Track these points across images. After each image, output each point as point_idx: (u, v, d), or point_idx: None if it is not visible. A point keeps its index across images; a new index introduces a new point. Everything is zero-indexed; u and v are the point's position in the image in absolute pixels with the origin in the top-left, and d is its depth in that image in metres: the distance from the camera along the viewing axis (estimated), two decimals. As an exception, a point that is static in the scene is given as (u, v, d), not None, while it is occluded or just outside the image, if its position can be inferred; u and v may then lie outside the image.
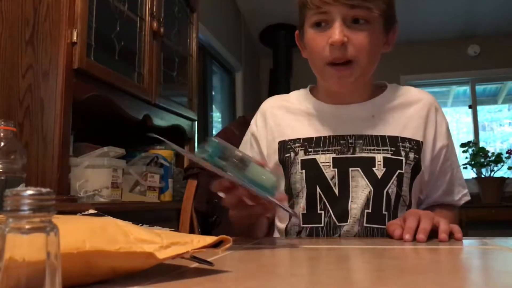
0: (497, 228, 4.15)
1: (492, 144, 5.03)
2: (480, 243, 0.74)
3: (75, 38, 1.40)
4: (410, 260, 0.57)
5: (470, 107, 4.86)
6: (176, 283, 0.42)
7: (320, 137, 0.93)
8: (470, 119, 4.85)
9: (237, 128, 1.28)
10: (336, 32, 0.83)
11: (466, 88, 4.99)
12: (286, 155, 0.94)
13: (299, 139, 0.94)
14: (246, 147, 1.03)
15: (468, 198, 1.01)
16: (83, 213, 0.88)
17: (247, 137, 1.05)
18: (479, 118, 4.85)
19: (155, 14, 1.90)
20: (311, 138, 0.94)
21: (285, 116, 0.99)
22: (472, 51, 4.77)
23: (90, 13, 1.50)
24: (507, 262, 0.56)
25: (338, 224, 0.88)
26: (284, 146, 0.95)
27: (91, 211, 0.90)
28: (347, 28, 0.84)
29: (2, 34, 1.44)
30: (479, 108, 4.87)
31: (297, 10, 0.93)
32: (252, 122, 1.05)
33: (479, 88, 4.95)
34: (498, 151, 4.25)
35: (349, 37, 0.84)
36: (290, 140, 0.95)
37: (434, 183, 0.98)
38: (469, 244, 0.74)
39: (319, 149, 0.92)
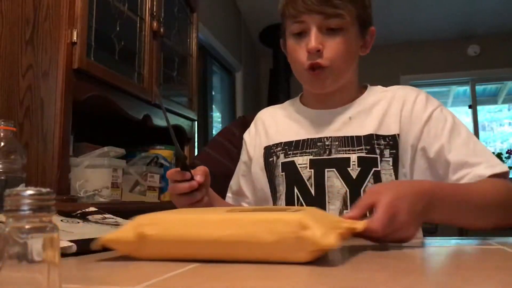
0: (496, 228, 4.14)
1: (492, 144, 5.03)
2: (480, 243, 0.74)
3: (75, 38, 1.40)
4: (409, 261, 0.57)
5: (470, 107, 4.86)
6: (176, 283, 0.42)
7: (299, 140, 0.97)
8: (470, 119, 4.85)
9: (237, 128, 1.28)
10: (312, 39, 0.89)
11: (466, 88, 5.00)
12: (270, 159, 1.00)
13: (281, 143, 1.00)
14: (242, 151, 1.12)
15: (503, 168, 0.84)
16: (83, 210, 0.88)
17: (243, 141, 1.13)
18: (479, 118, 4.85)
19: (155, 14, 1.90)
20: (291, 142, 0.98)
21: (272, 123, 1.06)
22: (472, 51, 4.77)
23: (90, 13, 1.50)
24: (507, 262, 0.56)
25: None
26: (268, 151, 1.02)
27: (92, 208, 0.90)
28: (323, 36, 0.90)
29: (2, 34, 1.44)
30: (479, 108, 4.87)
31: (280, 15, 0.98)
32: (244, 139, 1.12)
33: (479, 88, 4.95)
34: (498, 151, 4.25)
35: (324, 44, 0.90)
36: (273, 145, 1.01)
37: (439, 166, 0.89)
38: (469, 244, 0.74)
39: (298, 151, 0.96)
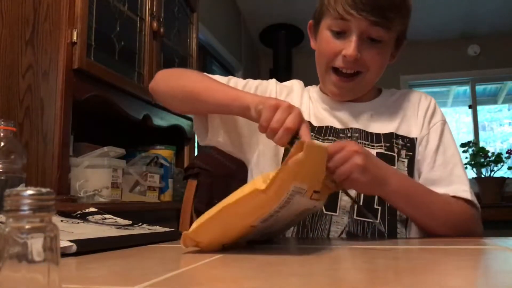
0: (497, 228, 4.14)
1: (492, 144, 5.02)
2: (480, 243, 0.74)
3: (75, 38, 1.40)
4: (408, 261, 0.57)
5: (470, 107, 4.86)
6: (176, 283, 0.42)
7: (322, 127, 0.97)
8: (470, 119, 4.84)
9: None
10: (352, 46, 0.86)
11: (466, 88, 4.99)
12: None
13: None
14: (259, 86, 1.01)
15: (467, 195, 0.87)
16: (83, 210, 0.88)
17: (259, 82, 1.03)
18: (479, 118, 4.85)
19: (155, 14, 1.90)
20: (314, 127, 0.97)
21: (303, 99, 1.02)
22: (472, 51, 4.76)
23: (90, 13, 1.50)
24: (507, 262, 0.56)
25: (325, 212, 0.89)
26: None
27: (92, 209, 0.90)
28: (362, 44, 0.87)
29: (2, 34, 1.44)
30: (479, 108, 4.87)
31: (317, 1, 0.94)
32: (275, 84, 1.04)
33: (479, 88, 4.95)
34: (498, 151, 4.25)
35: (362, 52, 0.87)
36: None
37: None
38: (469, 244, 0.74)
39: (320, 137, 0.95)
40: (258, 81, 1.03)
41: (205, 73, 0.95)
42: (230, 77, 1.02)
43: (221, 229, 0.62)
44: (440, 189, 0.88)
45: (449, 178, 0.91)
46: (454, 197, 0.87)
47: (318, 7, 0.94)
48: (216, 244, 0.63)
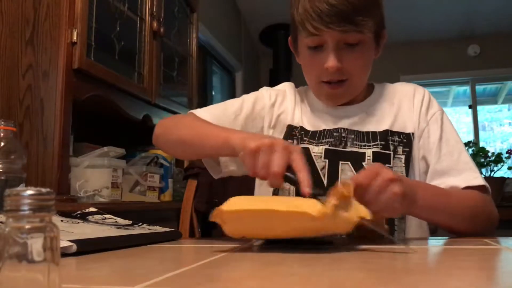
0: (497, 228, 4.12)
1: (492, 144, 5.02)
2: (480, 243, 0.74)
3: (75, 38, 1.40)
4: (408, 261, 0.57)
5: (470, 107, 4.86)
6: (176, 283, 0.42)
7: (316, 131, 0.97)
8: (470, 119, 4.84)
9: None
10: (331, 58, 0.86)
11: (466, 88, 4.99)
12: (289, 140, 0.97)
13: (298, 127, 0.98)
14: (248, 100, 1.00)
15: (479, 181, 0.87)
16: (83, 210, 0.88)
17: (254, 97, 1.02)
18: (479, 118, 4.85)
19: (155, 14, 1.90)
20: (308, 131, 0.97)
21: (297, 103, 1.02)
22: (472, 51, 4.76)
23: (90, 13, 1.50)
24: (507, 262, 0.56)
25: None
26: (290, 131, 0.98)
27: (92, 209, 0.90)
28: (341, 51, 0.87)
29: (2, 34, 1.44)
30: (479, 108, 4.87)
31: (291, 17, 0.94)
32: (268, 93, 1.03)
33: (479, 88, 4.95)
34: (498, 151, 4.24)
35: (343, 60, 0.88)
36: (295, 127, 0.98)
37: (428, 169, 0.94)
38: (469, 244, 0.74)
39: (314, 141, 0.95)
40: (253, 98, 1.01)
41: (198, 116, 0.94)
42: (225, 102, 1.01)
43: (254, 224, 0.63)
44: (451, 179, 0.88)
45: (457, 166, 0.91)
46: (467, 187, 0.87)
47: (291, 24, 0.94)
48: (238, 233, 0.65)
